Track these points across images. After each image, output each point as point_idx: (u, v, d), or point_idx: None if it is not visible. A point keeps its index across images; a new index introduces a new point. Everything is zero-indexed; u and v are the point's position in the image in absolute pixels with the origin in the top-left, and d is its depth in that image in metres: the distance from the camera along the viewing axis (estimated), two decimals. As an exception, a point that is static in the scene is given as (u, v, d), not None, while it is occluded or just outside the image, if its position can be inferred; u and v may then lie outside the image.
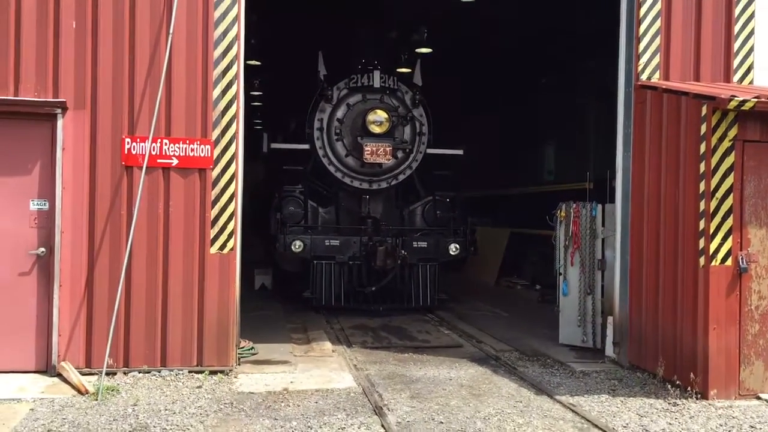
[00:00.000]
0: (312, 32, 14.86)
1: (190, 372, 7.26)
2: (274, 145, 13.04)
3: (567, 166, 14.31)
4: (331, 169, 12.44)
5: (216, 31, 7.32)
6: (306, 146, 12.68)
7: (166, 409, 6.24)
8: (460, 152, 13.50)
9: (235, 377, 7.31)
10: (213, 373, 7.30)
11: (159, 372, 7.19)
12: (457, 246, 12.06)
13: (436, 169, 13.20)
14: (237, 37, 7.38)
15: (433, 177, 13.12)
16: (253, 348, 8.40)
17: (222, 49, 7.33)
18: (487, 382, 7.44)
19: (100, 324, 7.11)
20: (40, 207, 7.09)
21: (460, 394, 6.93)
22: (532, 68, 15.78)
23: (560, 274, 9.31)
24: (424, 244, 12.02)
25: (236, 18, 7.37)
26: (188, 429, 5.79)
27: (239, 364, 7.68)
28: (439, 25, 14.76)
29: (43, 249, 7.08)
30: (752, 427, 6.05)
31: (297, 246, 11.58)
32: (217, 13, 7.31)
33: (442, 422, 6.05)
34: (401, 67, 15.70)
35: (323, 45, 13.48)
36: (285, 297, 13.09)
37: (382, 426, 5.93)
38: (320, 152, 12.48)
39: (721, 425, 6.06)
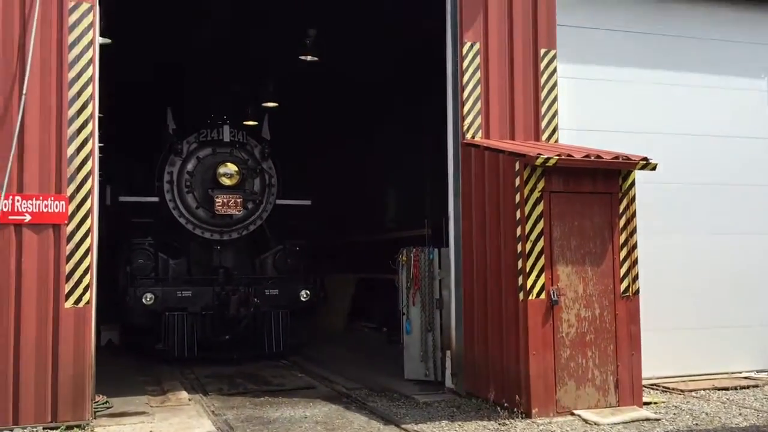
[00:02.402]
0: (159, 86, 15.09)
1: (44, 429, 7.23)
2: (122, 198, 13.06)
3: (407, 213, 15.38)
4: (182, 221, 12.67)
5: (70, 91, 7.54)
6: (155, 199, 12.83)
7: (22, 466, 6.25)
8: (308, 203, 14.17)
9: (92, 431, 7.36)
10: (69, 428, 7.31)
11: (11, 431, 7.11)
12: (308, 292, 12.61)
13: (286, 219, 13.76)
14: (92, 96, 7.64)
15: (282, 227, 13.66)
16: (107, 402, 8.42)
17: (76, 108, 7.55)
18: (340, 417, 7.99)
19: (-55, 385, 6.97)
20: None
21: (315, 430, 7.42)
22: (374, 120, 16.90)
23: (404, 314, 10.12)
24: (275, 292, 12.46)
25: (91, 78, 7.65)
26: (48, 482, 5.86)
27: (95, 418, 7.72)
28: (285, 79, 15.52)
29: None
30: (566, 437, 7.04)
31: (148, 298, 11.65)
32: (71, 74, 7.55)
33: (299, 455, 6.53)
34: (248, 120, 16.26)
35: (171, 100, 13.78)
36: (135, 351, 12.96)
37: (243, 463, 6.31)
38: (171, 204, 12.68)
39: (541, 438, 7.00)
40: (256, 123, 15.15)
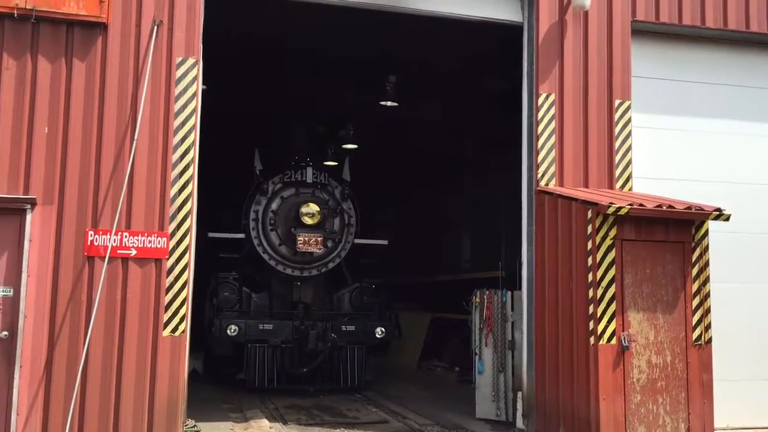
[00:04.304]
0: (248, 129, 16.01)
1: (140, 447, 7.84)
2: (211, 235, 13.82)
3: (482, 255, 15.65)
4: (266, 257, 13.31)
5: (175, 138, 8.28)
6: (242, 236, 13.56)
7: (122, 480, 6.82)
8: (384, 242, 14.63)
9: (182, 452, 7.93)
10: (162, 448, 7.91)
11: (111, 448, 7.76)
12: (383, 329, 12.99)
13: (363, 258, 14.26)
14: (194, 143, 8.37)
15: (360, 264, 14.16)
16: (196, 426, 9.00)
17: (180, 153, 8.29)
18: (412, 451, 8.32)
19: (56, 403, 7.66)
20: (5, 294, 7.69)
21: (388, 462, 7.78)
22: (452, 165, 17.35)
23: (476, 354, 10.39)
24: (352, 328, 12.90)
25: (193, 126, 8.39)
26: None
27: (185, 440, 8.30)
28: (366, 122, 16.18)
29: (5, 332, 7.65)
30: (635, 482, 7.15)
31: (232, 330, 12.27)
32: (177, 122, 8.30)
33: (374, 484, 6.88)
34: (328, 161, 16.98)
35: (259, 142, 14.61)
36: (217, 380, 13.59)
37: (322, 489, 6.71)
38: (255, 241, 13.36)
39: (610, 481, 7.13)
40: (336, 163, 15.82)
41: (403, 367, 16.66)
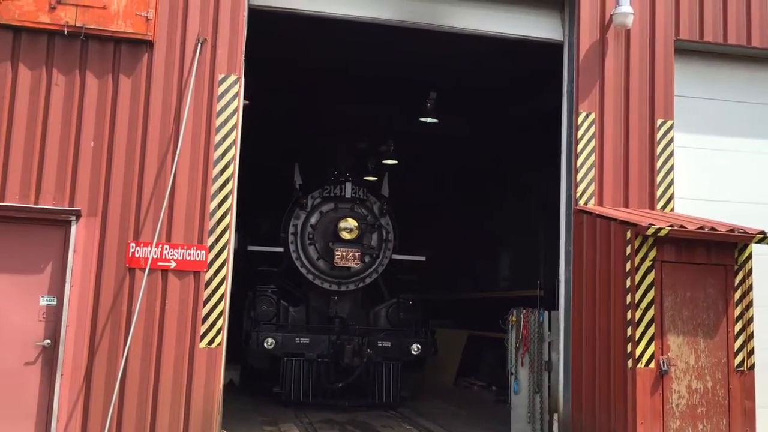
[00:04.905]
0: (289, 145, 16.21)
1: (175, 458, 7.94)
2: (251, 248, 14.00)
3: (520, 273, 15.51)
4: (303, 271, 13.40)
5: (216, 152, 8.44)
6: (281, 249, 13.70)
7: (157, 489, 6.91)
8: (422, 259, 14.62)
9: (217, 463, 8.01)
10: (197, 459, 7.99)
11: (147, 457, 7.88)
12: (419, 346, 12.94)
13: (400, 274, 14.25)
14: (234, 158, 8.51)
15: (397, 280, 14.16)
16: (230, 437, 9.10)
17: (220, 168, 8.43)
18: (444, 471, 8.25)
19: (95, 412, 7.83)
20: (48, 303, 7.90)
21: (420, 481, 7.73)
22: (490, 182, 17.26)
23: (512, 373, 10.28)
24: (387, 344, 12.87)
25: (234, 142, 8.53)
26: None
27: (220, 452, 8.38)
28: (405, 138, 16.25)
29: (48, 341, 7.85)
30: None
31: (269, 343, 12.35)
32: (218, 137, 8.46)
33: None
34: (368, 176, 17.05)
35: (299, 156, 14.78)
36: (253, 392, 13.70)
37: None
38: (294, 255, 13.46)
39: None
40: (375, 178, 15.89)
41: (440, 385, 16.54)
